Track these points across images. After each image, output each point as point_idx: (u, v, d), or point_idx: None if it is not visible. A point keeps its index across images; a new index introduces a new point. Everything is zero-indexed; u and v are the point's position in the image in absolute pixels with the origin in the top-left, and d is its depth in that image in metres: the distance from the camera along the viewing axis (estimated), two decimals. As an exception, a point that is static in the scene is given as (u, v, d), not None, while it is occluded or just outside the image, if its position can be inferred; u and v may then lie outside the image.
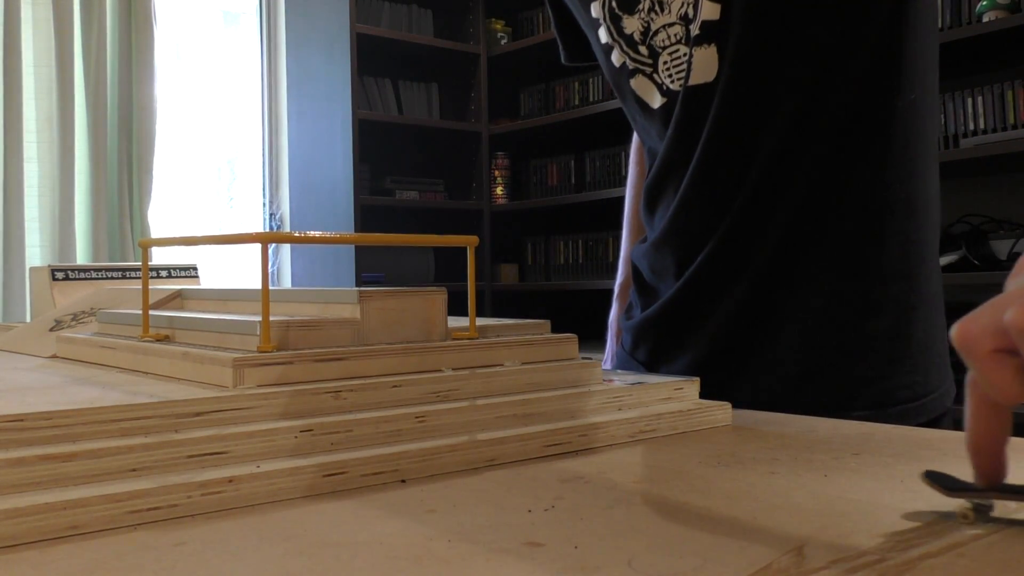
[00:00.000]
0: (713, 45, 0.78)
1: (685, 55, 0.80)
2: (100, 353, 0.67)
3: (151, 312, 0.66)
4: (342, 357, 0.54)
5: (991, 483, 0.38)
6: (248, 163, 3.70)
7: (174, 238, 0.64)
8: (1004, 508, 0.39)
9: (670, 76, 0.83)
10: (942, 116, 2.43)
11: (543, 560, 0.36)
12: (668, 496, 0.45)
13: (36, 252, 2.92)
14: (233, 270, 3.55)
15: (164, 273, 1.07)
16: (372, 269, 3.65)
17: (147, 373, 0.59)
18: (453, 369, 0.58)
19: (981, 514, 0.39)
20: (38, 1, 2.92)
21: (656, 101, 0.85)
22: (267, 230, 3.56)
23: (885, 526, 0.39)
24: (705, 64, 0.78)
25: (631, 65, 0.87)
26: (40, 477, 0.41)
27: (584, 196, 3.10)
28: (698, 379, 0.67)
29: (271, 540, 0.39)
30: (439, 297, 0.61)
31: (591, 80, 3.30)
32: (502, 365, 0.61)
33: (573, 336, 0.66)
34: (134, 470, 0.43)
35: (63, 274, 1.04)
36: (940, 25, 2.39)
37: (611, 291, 1.10)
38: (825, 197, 0.77)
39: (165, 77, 3.28)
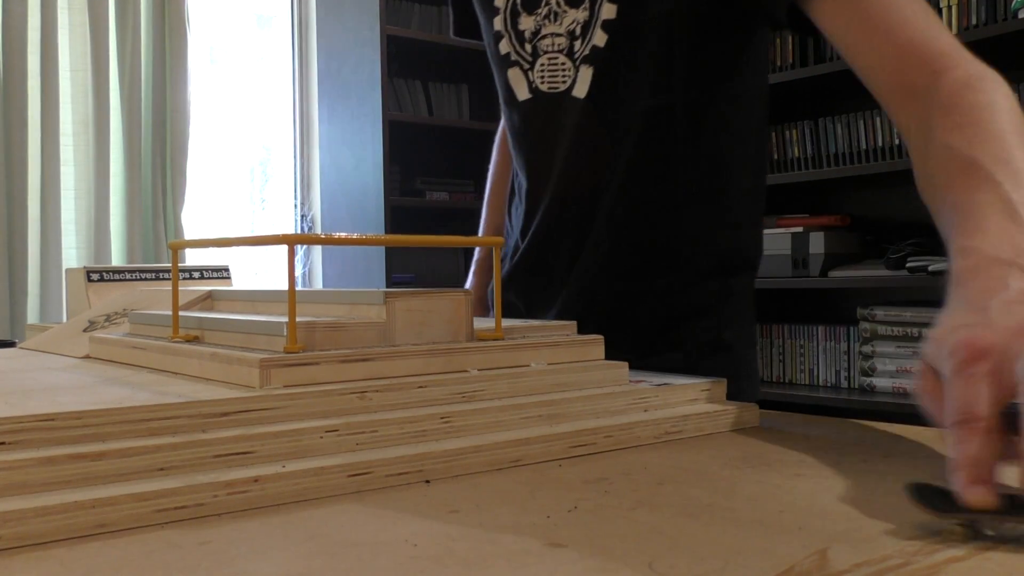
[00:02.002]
0: (592, 67, 0.93)
1: (563, 64, 0.96)
2: (131, 354, 0.68)
3: (181, 313, 0.67)
4: (368, 358, 0.55)
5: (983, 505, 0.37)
6: (280, 165, 3.73)
7: (202, 240, 0.65)
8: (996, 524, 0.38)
9: (542, 78, 0.97)
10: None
11: (565, 561, 0.36)
12: (692, 497, 0.45)
13: (72, 254, 2.96)
14: (265, 271, 3.58)
15: (196, 274, 1.08)
16: (402, 270, 3.66)
17: (176, 373, 0.60)
18: (479, 370, 0.58)
19: (972, 531, 0.37)
20: (74, 7, 2.96)
21: (523, 95, 1.00)
22: (298, 231, 3.58)
23: (911, 530, 0.39)
24: (583, 81, 0.94)
25: (513, 57, 1.00)
26: (70, 476, 0.41)
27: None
28: (725, 380, 0.67)
29: (295, 539, 0.39)
30: (465, 298, 0.61)
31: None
32: (528, 366, 0.61)
33: (599, 337, 0.66)
34: (162, 469, 0.44)
35: (98, 276, 1.06)
36: (976, 22, 2.36)
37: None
38: (654, 194, 0.94)
39: (198, 80, 3.31)
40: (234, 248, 0.60)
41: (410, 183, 3.68)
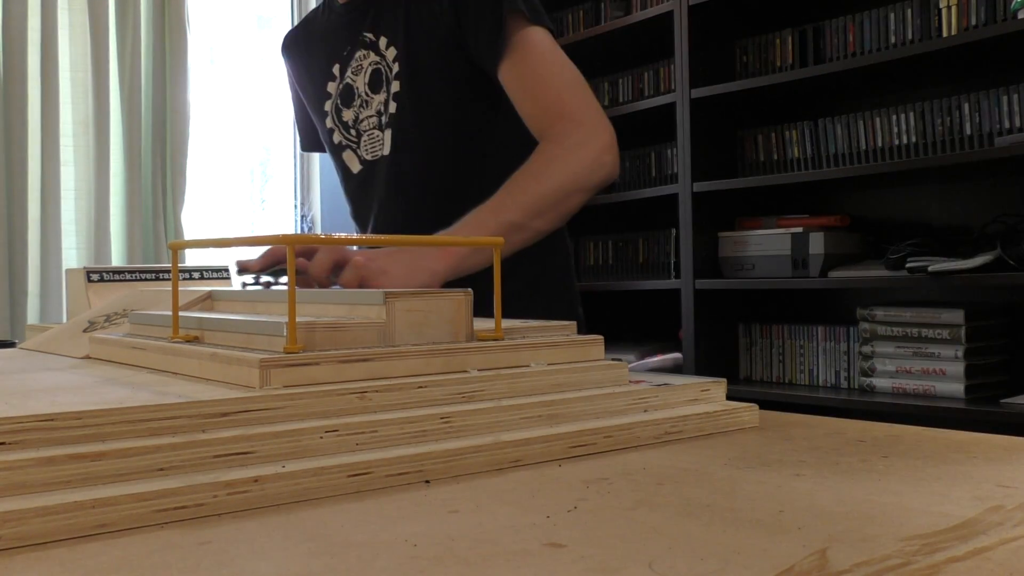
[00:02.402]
0: (390, 129, 1.26)
1: (377, 136, 1.28)
2: (131, 354, 0.68)
3: (181, 313, 0.67)
4: (368, 358, 0.55)
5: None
6: (280, 165, 3.73)
7: (203, 240, 0.65)
8: None
9: (367, 151, 1.30)
10: (976, 114, 2.40)
11: (565, 561, 0.36)
12: (692, 498, 0.45)
13: (72, 254, 2.96)
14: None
15: (196, 275, 1.09)
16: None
17: (176, 374, 0.60)
18: (478, 370, 0.58)
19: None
20: (74, 7, 2.96)
21: (356, 168, 1.32)
22: (298, 232, 3.58)
23: (911, 529, 0.39)
24: (387, 142, 1.27)
25: (344, 143, 1.33)
26: (70, 476, 0.42)
27: (614, 197, 3.09)
28: (724, 380, 0.67)
29: (295, 539, 0.39)
30: (465, 298, 0.61)
31: (620, 80, 3.29)
32: (528, 366, 0.61)
33: (599, 337, 0.66)
34: (161, 469, 0.44)
35: (98, 276, 1.06)
36: (975, 22, 2.36)
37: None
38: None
39: (198, 81, 3.31)
40: (234, 248, 0.60)
41: (410, 183, 3.67)
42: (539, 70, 1.16)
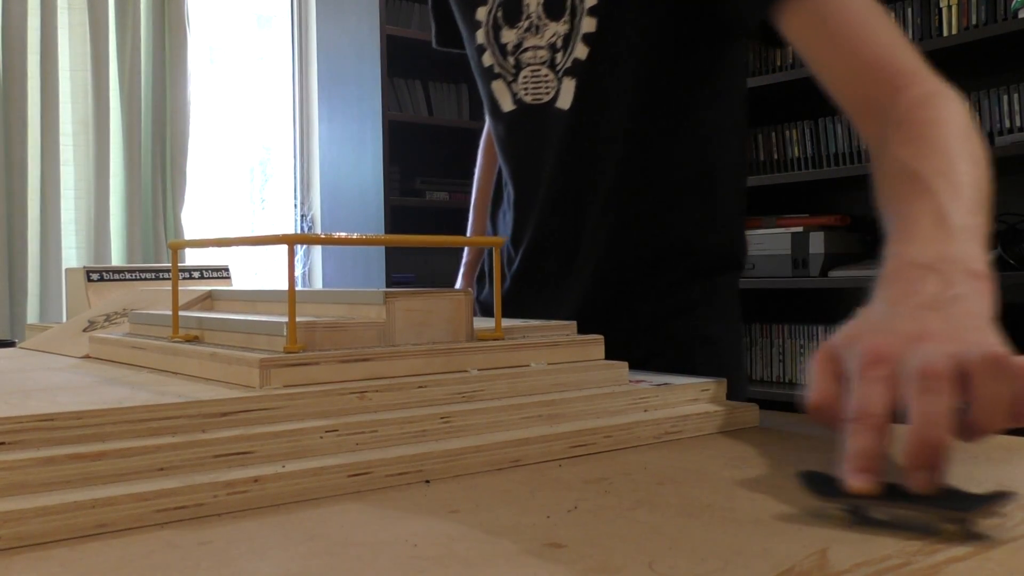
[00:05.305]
0: (575, 80, 0.94)
1: (546, 76, 0.97)
2: (131, 353, 0.68)
3: (181, 313, 0.67)
4: (367, 358, 0.55)
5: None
6: (280, 165, 3.73)
7: (202, 239, 0.65)
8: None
9: (525, 89, 0.98)
10: (977, 114, 2.40)
11: (565, 561, 0.36)
12: (692, 498, 0.45)
13: (72, 254, 2.96)
14: (265, 271, 3.58)
15: (196, 274, 1.09)
16: (402, 270, 3.66)
17: (176, 373, 0.60)
18: (479, 370, 0.58)
19: (855, 515, 0.40)
20: (74, 7, 2.96)
21: (507, 106, 1.00)
22: (298, 231, 3.58)
23: (911, 530, 0.38)
24: (566, 93, 0.95)
25: (497, 69, 1.01)
26: (70, 476, 0.41)
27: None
28: (725, 380, 0.67)
29: (295, 539, 0.39)
30: (465, 298, 0.61)
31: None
32: (528, 366, 0.61)
33: (599, 337, 0.66)
34: (161, 469, 0.44)
35: (98, 275, 1.06)
36: (975, 22, 2.36)
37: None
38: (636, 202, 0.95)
39: (198, 80, 3.31)
40: (234, 248, 0.60)
41: (410, 183, 3.68)
42: (847, 13, 0.79)
